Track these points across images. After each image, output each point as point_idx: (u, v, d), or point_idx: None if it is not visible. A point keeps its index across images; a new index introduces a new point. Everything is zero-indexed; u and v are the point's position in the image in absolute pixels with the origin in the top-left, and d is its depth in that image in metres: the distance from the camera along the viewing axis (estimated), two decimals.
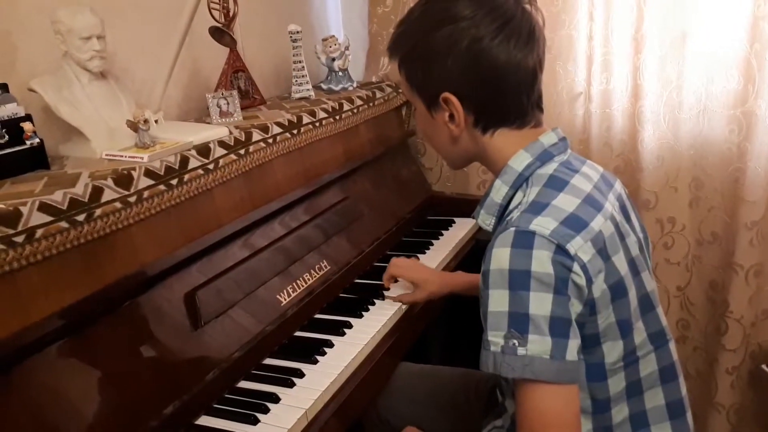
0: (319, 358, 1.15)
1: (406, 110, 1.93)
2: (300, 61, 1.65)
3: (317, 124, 1.49)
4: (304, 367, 1.12)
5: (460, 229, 1.74)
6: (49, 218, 0.88)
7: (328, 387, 1.07)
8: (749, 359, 1.60)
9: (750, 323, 1.57)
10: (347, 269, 1.44)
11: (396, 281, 1.39)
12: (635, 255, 0.87)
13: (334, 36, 1.76)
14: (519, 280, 0.75)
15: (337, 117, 1.57)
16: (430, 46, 0.85)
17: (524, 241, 0.76)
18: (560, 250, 0.76)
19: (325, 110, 1.53)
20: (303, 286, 1.30)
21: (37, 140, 1.04)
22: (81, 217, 0.92)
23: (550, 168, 0.86)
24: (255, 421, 0.99)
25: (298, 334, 1.25)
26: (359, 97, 1.69)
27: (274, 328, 1.20)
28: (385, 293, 1.37)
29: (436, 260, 1.55)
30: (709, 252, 1.62)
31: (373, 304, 1.34)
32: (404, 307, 1.33)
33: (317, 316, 1.32)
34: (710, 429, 1.66)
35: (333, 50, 1.74)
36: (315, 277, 1.34)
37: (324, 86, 1.79)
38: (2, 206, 0.84)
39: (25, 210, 0.85)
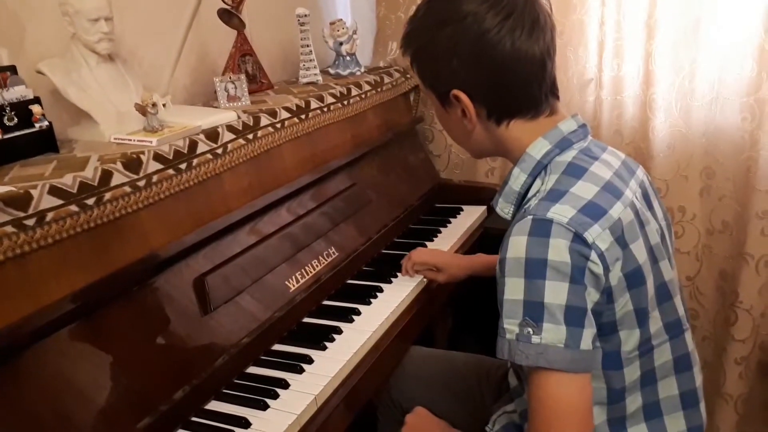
0: (327, 344, 1.15)
1: (414, 96, 1.92)
2: (308, 45, 1.63)
3: (325, 109, 1.48)
4: (313, 353, 1.12)
5: (468, 217, 1.73)
6: (60, 201, 0.87)
7: (338, 373, 1.07)
8: (758, 350, 1.59)
9: (760, 314, 1.56)
10: (355, 256, 1.43)
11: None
12: (655, 243, 0.86)
13: (341, 20, 1.74)
14: (535, 269, 0.75)
15: (345, 102, 1.56)
16: (435, 46, 0.85)
17: (541, 229, 0.76)
18: (578, 238, 0.75)
19: (333, 95, 1.52)
20: (311, 272, 1.30)
21: (46, 123, 1.04)
22: (91, 201, 0.91)
23: (569, 155, 0.85)
24: (265, 407, 0.99)
25: (306, 320, 1.25)
26: (367, 82, 1.67)
27: (282, 315, 1.19)
28: (408, 269, 1.39)
29: (444, 248, 1.54)
30: (720, 241, 1.61)
31: (381, 291, 1.33)
32: (412, 294, 1.33)
33: (325, 302, 1.31)
34: (718, 419, 1.65)
35: (341, 34, 1.73)
36: (323, 263, 1.34)
37: (331, 71, 1.78)
38: (13, 189, 0.83)
39: (35, 193, 0.85)
